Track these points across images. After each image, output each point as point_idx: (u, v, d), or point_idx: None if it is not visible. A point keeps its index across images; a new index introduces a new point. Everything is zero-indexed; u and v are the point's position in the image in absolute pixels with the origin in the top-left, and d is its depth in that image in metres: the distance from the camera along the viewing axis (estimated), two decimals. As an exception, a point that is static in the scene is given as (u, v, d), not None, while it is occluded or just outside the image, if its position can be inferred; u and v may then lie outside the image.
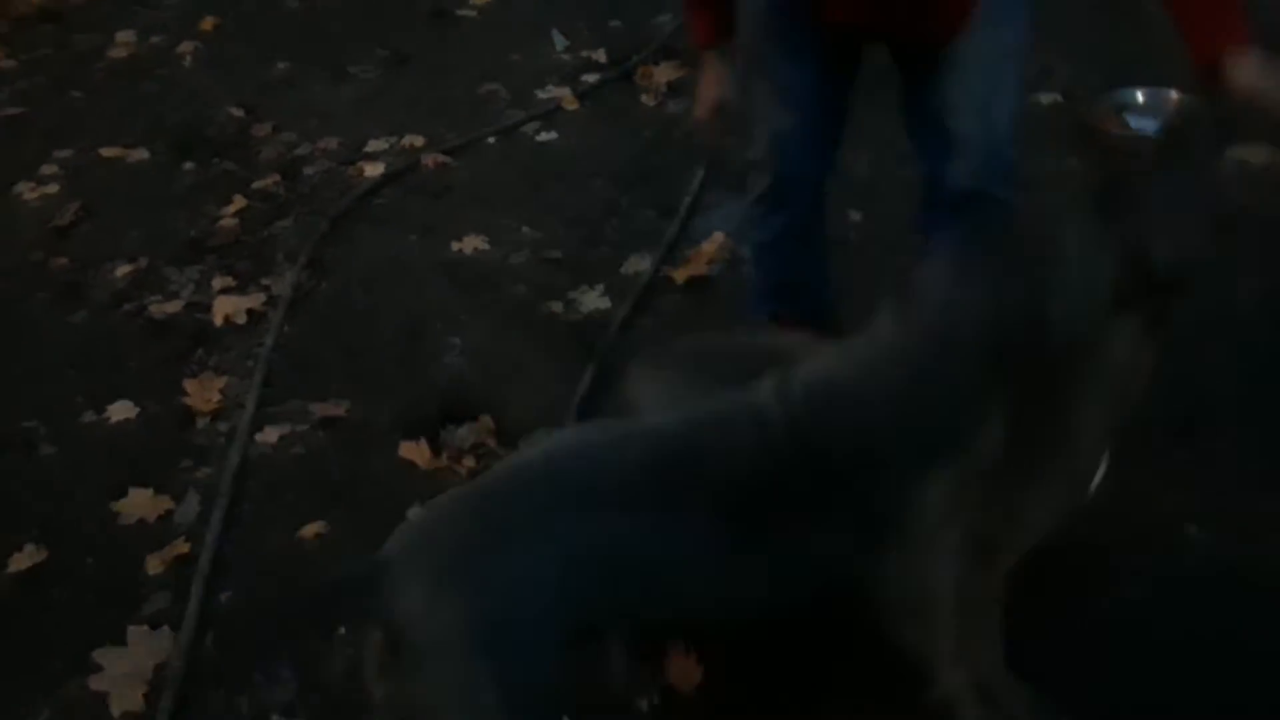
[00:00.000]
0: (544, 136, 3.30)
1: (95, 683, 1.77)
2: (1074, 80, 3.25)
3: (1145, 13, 3.58)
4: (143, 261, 2.85)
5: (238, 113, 3.60)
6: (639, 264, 2.65)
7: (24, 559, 2.01)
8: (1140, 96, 3.01)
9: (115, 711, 1.72)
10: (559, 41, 3.84)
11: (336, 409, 2.28)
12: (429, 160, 3.20)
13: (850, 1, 1.72)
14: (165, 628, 1.84)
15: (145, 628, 1.84)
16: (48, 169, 3.35)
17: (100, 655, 1.80)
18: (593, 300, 2.53)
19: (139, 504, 2.08)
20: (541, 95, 3.52)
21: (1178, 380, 1.91)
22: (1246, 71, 1.56)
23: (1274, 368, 2.15)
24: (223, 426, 2.28)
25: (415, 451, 2.13)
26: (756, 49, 1.89)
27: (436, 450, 2.16)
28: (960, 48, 1.77)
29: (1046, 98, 3.17)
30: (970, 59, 1.78)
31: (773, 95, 1.90)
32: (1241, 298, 2.28)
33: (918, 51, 1.79)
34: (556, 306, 2.53)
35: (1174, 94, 3.00)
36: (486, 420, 2.24)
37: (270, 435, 2.23)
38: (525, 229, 2.85)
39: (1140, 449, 1.78)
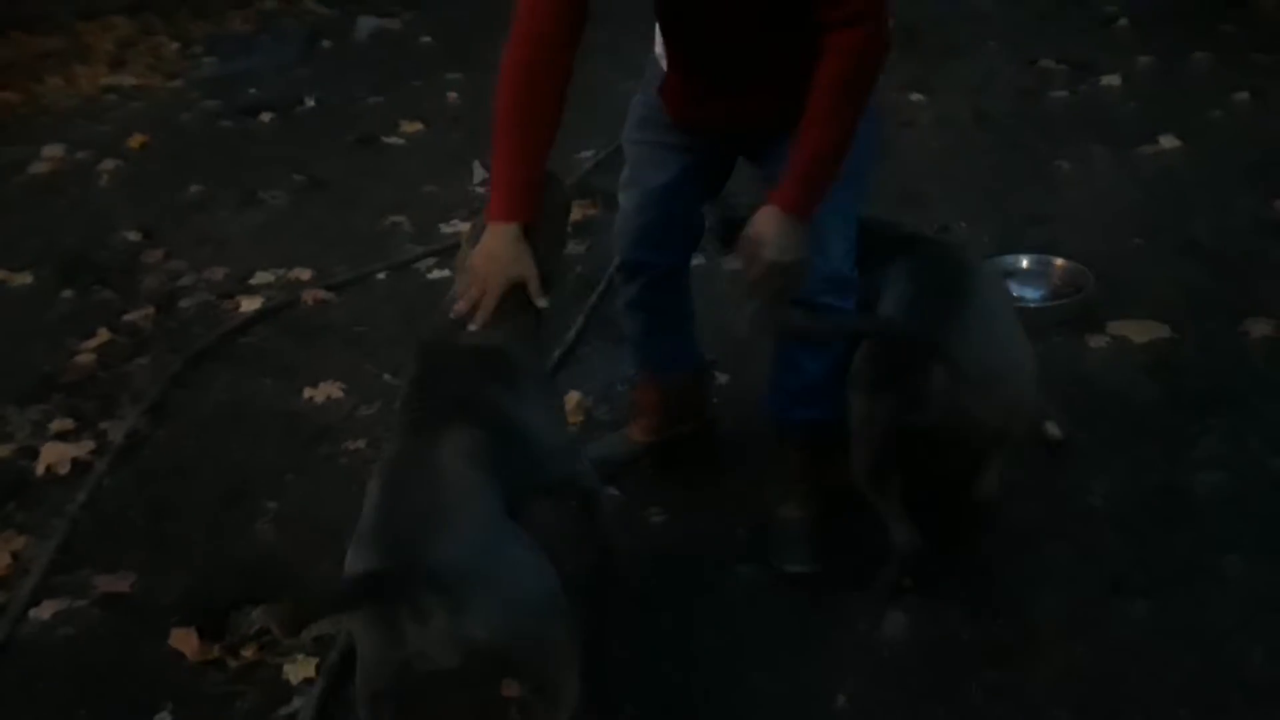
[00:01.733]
0: (436, 274, 3.17)
1: None
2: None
3: (1060, 174, 3.53)
4: (-14, 400, 2.72)
5: (134, 237, 3.50)
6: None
7: None
8: (1024, 263, 2.88)
9: None
10: (478, 173, 3.74)
11: (122, 583, 2.09)
12: (308, 296, 3.07)
13: (704, 106, 1.91)
14: None
15: None
16: (-74, 291, 3.27)
17: None
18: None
19: (-121, 689, 1.90)
20: (445, 230, 3.41)
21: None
22: (759, 221, 1.75)
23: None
24: (2, 597, 2.10)
25: (184, 640, 1.93)
26: (630, 142, 2.06)
27: (217, 638, 1.96)
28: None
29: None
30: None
31: (636, 189, 2.03)
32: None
33: (774, 159, 1.83)
34: (390, 470, 2.36)
35: (1059, 261, 2.87)
36: (285, 604, 2.05)
37: (46, 610, 2.04)
38: (387, 376, 2.69)
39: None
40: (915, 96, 4.28)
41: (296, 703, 1.82)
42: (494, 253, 1.71)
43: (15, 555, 2.20)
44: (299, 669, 1.87)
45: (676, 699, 1.79)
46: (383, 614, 1.38)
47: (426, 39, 5.43)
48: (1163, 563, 1.97)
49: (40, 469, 2.46)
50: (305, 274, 3.19)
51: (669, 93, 1.94)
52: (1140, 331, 2.63)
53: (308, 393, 2.65)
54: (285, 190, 3.78)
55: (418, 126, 4.25)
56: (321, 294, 3.08)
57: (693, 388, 2.32)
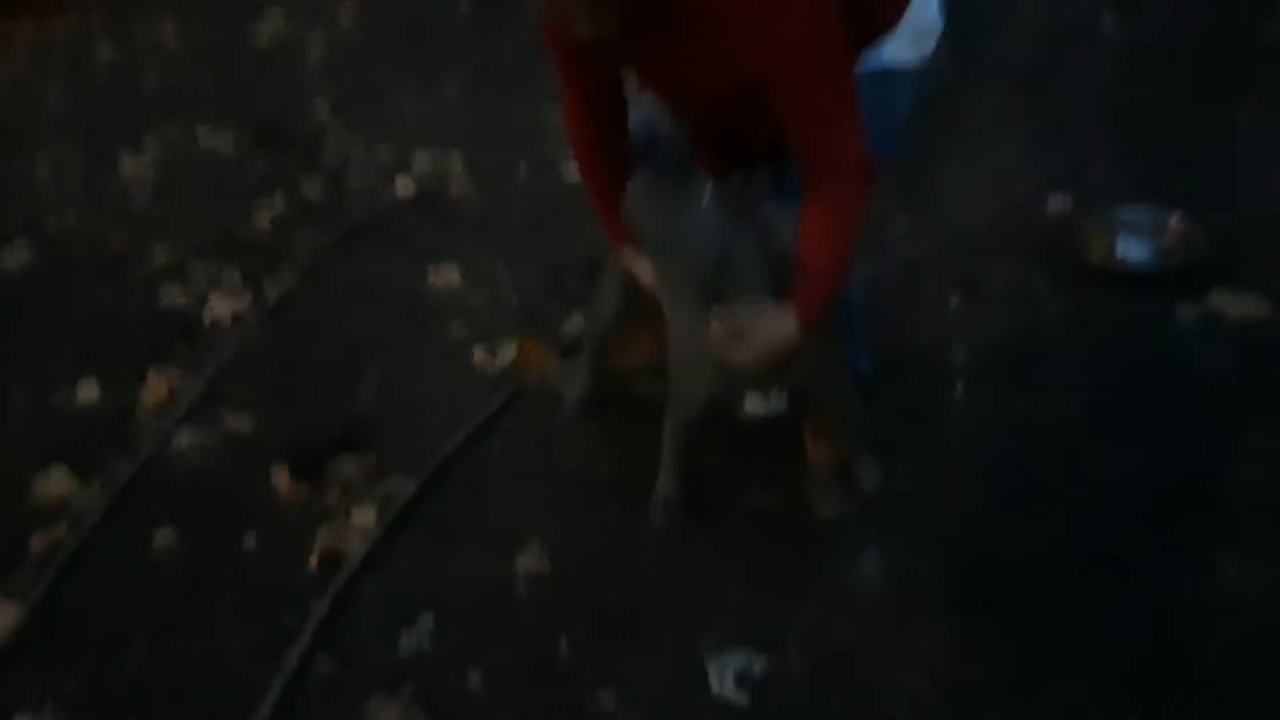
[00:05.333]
0: (573, 177, 3.39)
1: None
2: (1098, 190, 3.04)
3: (1236, 121, 3.31)
4: (178, 250, 3.18)
5: (324, 110, 3.90)
6: (578, 323, 2.72)
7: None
8: (1142, 217, 2.79)
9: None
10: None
11: (245, 424, 2.51)
12: (453, 188, 3.37)
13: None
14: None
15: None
16: (151, 145, 3.77)
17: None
18: (511, 354, 2.64)
19: (54, 483, 2.39)
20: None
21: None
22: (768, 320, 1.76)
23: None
24: (154, 423, 2.56)
25: (281, 478, 2.33)
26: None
27: (310, 479, 2.34)
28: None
29: (1055, 200, 2.98)
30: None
31: None
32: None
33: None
34: (480, 354, 2.65)
35: (1174, 219, 2.77)
36: (374, 456, 2.41)
37: (184, 440, 2.49)
38: (501, 268, 2.97)
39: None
40: (1106, 17, 4.07)
41: (355, 547, 2.18)
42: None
43: (172, 390, 2.65)
44: (364, 513, 2.24)
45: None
46: None
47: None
48: (1154, 547, 2.01)
49: (208, 318, 2.91)
50: (458, 160, 3.49)
51: None
52: (1238, 305, 2.54)
53: (431, 276, 2.97)
54: (463, 76, 4.06)
55: (596, 20, 4.41)
56: (464, 186, 3.37)
57: None
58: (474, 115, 3.82)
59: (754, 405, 1.86)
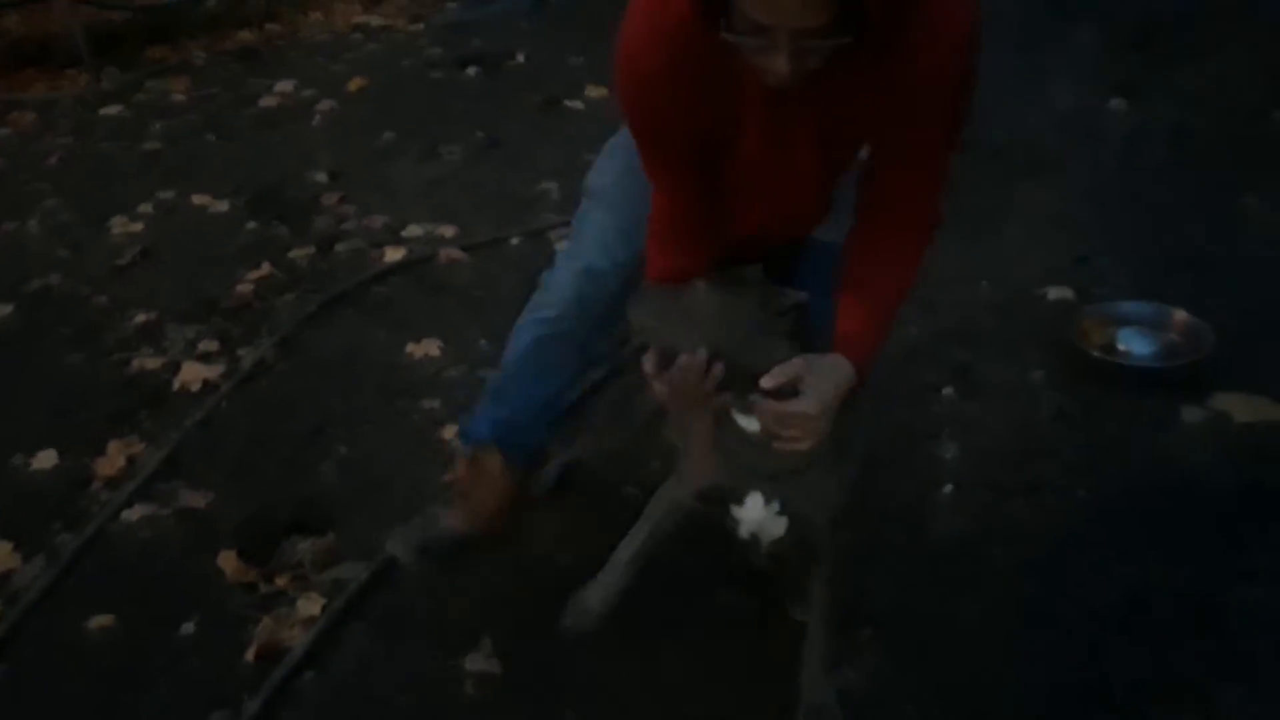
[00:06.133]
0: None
1: None
2: (1101, 281, 2.93)
3: (1243, 212, 3.20)
4: (155, 314, 3.12)
5: (322, 178, 3.86)
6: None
7: None
8: (1146, 311, 2.68)
9: None
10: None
11: (200, 499, 2.40)
12: (444, 254, 3.30)
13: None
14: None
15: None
16: (144, 207, 3.74)
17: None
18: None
19: (-5, 556, 2.29)
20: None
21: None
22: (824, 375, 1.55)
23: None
24: (106, 496, 2.46)
25: (227, 561, 2.21)
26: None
27: (259, 563, 2.23)
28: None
29: (1056, 292, 2.87)
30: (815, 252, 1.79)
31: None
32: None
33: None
34: (450, 432, 2.55)
35: (1180, 314, 2.65)
36: (329, 538, 2.30)
37: (136, 513, 2.38)
38: (483, 342, 2.88)
39: None
40: (1115, 103, 4.00)
41: (298, 638, 2.05)
42: None
43: (131, 460, 2.56)
44: (310, 603, 2.12)
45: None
46: None
47: None
48: (1151, 675, 1.85)
49: (178, 384, 2.83)
50: (450, 231, 3.43)
51: None
52: (1245, 409, 2.40)
53: (410, 347, 2.88)
54: (463, 146, 4.03)
55: (601, 92, 4.38)
56: (456, 253, 3.30)
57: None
58: (471, 185, 3.78)
59: (752, 511, 1.68)
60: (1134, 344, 2.62)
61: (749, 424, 1.55)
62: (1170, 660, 1.86)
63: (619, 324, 1.82)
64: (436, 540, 1.98)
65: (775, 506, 1.64)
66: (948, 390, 2.59)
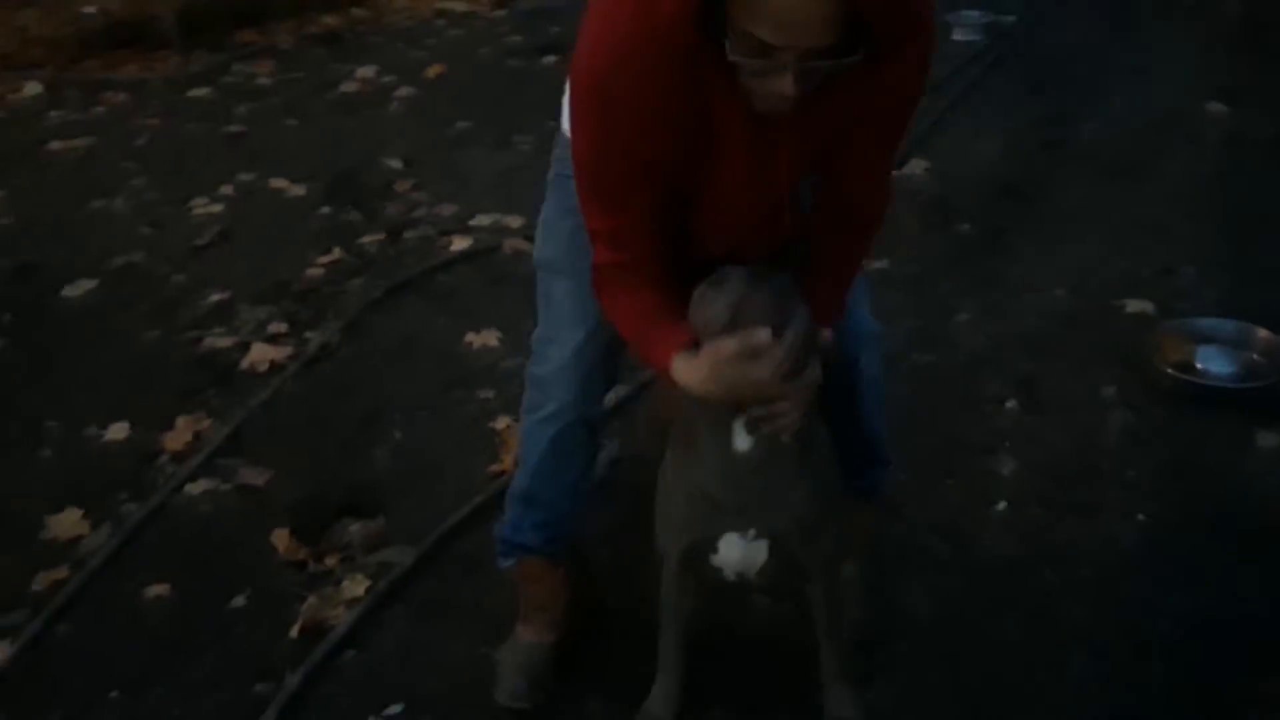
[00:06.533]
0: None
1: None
2: (1183, 295, 2.84)
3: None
4: (229, 295, 3.20)
5: (396, 164, 3.92)
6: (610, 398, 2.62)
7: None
8: (1227, 328, 2.59)
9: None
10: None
11: (259, 477, 2.47)
12: (509, 245, 3.33)
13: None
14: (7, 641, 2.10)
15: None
16: (224, 189, 3.84)
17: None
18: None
19: (66, 524, 2.38)
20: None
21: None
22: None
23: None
24: (172, 469, 2.54)
25: (280, 538, 2.27)
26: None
27: (310, 542, 2.28)
28: None
29: (1134, 304, 2.79)
30: None
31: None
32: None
33: None
34: (504, 423, 2.58)
35: (1263, 333, 2.56)
36: (380, 522, 2.34)
37: (198, 487, 2.46)
38: (541, 334, 2.90)
39: None
40: (1214, 106, 3.86)
41: (343, 614, 2.10)
42: None
43: (197, 435, 2.64)
44: (356, 584, 2.16)
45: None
46: None
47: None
48: (1195, 709, 1.80)
49: (246, 363, 2.91)
50: (516, 221, 3.46)
51: None
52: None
53: (469, 337, 2.92)
54: (535, 137, 4.04)
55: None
56: (520, 244, 3.32)
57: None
58: (541, 176, 3.76)
59: (730, 550, 1.63)
60: (1213, 363, 2.53)
61: (742, 442, 1.55)
62: (1221, 699, 1.80)
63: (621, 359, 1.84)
64: (531, 667, 1.91)
65: (750, 534, 1.63)
66: (1010, 403, 2.53)
